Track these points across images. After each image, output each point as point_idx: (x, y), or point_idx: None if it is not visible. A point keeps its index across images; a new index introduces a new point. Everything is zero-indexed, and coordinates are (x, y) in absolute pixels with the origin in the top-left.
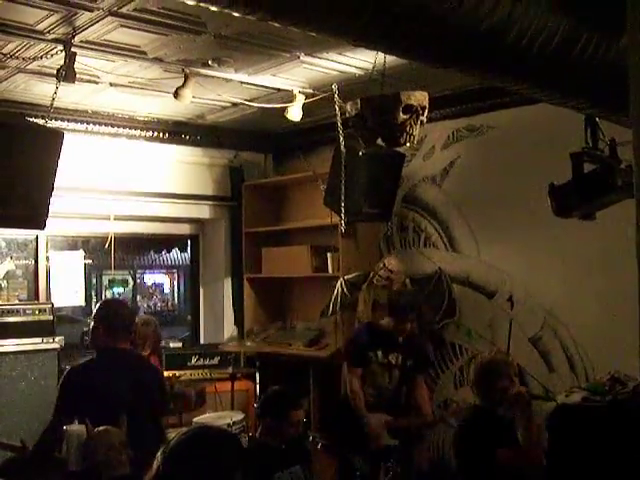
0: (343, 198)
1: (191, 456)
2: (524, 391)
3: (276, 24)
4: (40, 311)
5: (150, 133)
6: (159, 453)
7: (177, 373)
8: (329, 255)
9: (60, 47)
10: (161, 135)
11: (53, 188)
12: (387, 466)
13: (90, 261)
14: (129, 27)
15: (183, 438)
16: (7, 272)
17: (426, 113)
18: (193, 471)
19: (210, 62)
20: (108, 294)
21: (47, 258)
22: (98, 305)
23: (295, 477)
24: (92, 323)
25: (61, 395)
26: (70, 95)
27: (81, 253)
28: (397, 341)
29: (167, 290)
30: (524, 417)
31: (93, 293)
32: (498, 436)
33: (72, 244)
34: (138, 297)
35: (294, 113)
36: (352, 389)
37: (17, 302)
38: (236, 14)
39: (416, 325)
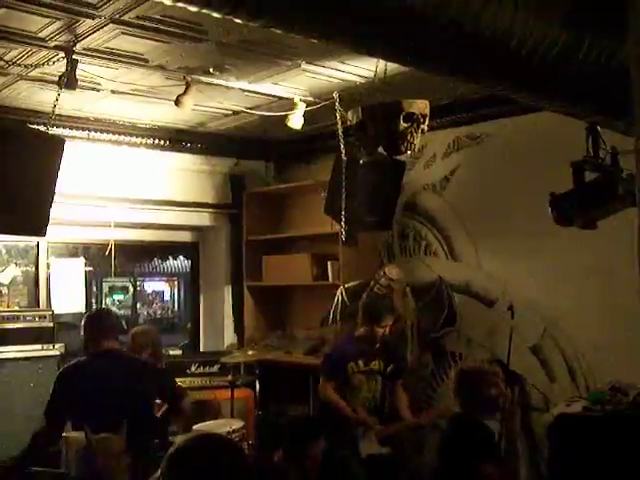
0: (344, 206)
1: (192, 463)
2: (509, 399)
3: (278, 31)
4: (40, 318)
5: (151, 140)
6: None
7: (176, 381)
8: (329, 263)
9: (62, 54)
10: (162, 143)
11: (54, 195)
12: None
13: (90, 268)
14: (131, 34)
15: (185, 444)
16: (13, 278)
17: (427, 121)
18: (193, 478)
19: (211, 70)
20: (108, 301)
21: (48, 265)
22: (85, 315)
23: None
24: (82, 331)
25: (53, 392)
26: (72, 102)
27: (81, 260)
28: (375, 348)
29: (167, 297)
30: (508, 427)
31: (93, 300)
32: (480, 448)
33: (73, 251)
34: (138, 304)
35: (295, 121)
36: (330, 399)
37: (17, 309)
38: (238, 21)
39: (397, 329)
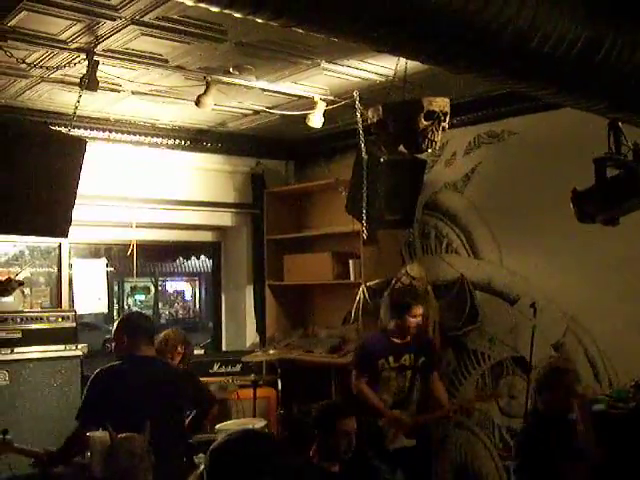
0: (365, 205)
1: (234, 456)
2: (582, 396)
3: (299, 30)
4: (63, 318)
5: (172, 141)
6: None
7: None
8: (351, 262)
9: (83, 56)
10: (183, 143)
11: (76, 196)
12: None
13: (112, 268)
14: (151, 35)
15: (227, 439)
16: (24, 278)
17: (448, 119)
18: (233, 469)
19: (231, 70)
20: (130, 301)
21: (70, 266)
22: (119, 317)
23: None
24: (114, 334)
25: (87, 395)
26: (92, 103)
27: (103, 261)
28: (406, 343)
29: (189, 297)
30: (582, 422)
31: (115, 300)
32: (560, 445)
33: (95, 252)
34: (160, 304)
35: (315, 120)
36: (362, 391)
37: (40, 309)
38: (259, 20)
39: (431, 322)
